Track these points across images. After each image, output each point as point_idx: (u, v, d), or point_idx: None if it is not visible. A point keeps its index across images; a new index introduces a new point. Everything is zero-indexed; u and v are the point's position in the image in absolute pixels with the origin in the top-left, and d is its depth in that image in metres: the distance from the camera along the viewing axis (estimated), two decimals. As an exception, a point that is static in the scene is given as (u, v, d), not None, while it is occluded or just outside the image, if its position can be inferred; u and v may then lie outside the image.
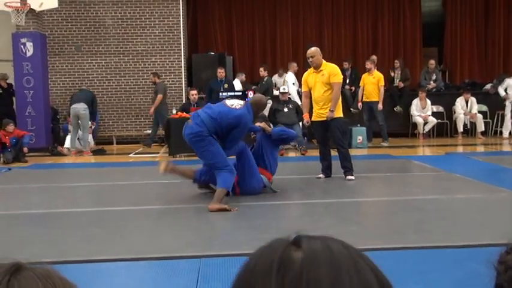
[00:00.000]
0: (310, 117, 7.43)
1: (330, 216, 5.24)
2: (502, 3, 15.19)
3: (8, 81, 12.70)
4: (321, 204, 5.85)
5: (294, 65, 12.65)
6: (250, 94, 10.33)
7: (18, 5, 11.36)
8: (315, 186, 6.98)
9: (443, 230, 4.63)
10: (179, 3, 13.49)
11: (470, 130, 13.40)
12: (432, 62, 13.97)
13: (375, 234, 4.62)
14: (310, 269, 0.67)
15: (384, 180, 7.54)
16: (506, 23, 15.25)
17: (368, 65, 12.07)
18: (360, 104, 12.28)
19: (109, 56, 13.54)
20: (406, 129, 13.41)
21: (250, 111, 5.83)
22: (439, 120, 13.20)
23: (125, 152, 11.83)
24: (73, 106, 11.41)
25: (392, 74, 13.57)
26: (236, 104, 5.92)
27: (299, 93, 10.80)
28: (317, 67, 7.16)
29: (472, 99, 13.07)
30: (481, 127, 13.01)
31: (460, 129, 13.05)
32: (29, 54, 11.83)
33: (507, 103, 12.94)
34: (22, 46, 11.81)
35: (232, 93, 10.67)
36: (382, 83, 11.90)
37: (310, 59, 7.14)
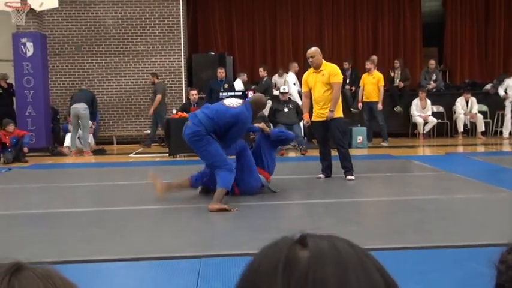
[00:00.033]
0: (310, 117, 7.43)
1: (330, 216, 5.24)
2: (502, 3, 15.19)
3: (8, 81, 12.70)
4: (321, 204, 5.85)
5: (295, 65, 12.65)
6: (250, 94, 10.33)
7: (19, 5, 11.37)
8: (315, 186, 6.98)
9: (443, 230, 4.63)
10: (179, 3, 13.49)
11: (470, 130, 13.40)
12: (432, 62, 13.96)
13: (375, 234, 4.62)
14: (316, 268, 0.66)
15: (384, 180, 7.54)
16: (506, 23, 15.25)
17: (368, 65, 12.07)
18: (360, 105, 12.28)
19: (109, 56, 13.54)
20: (406, 129, 13.41)
21: (249, 110, 5.84)
22: (439, 120, 13.20)
23: (125, 152, 11.83)
24: (73, 106, 11.41)
25: (392, 74, 13.57)
26: (234, 103, 5.94)
27: (300, 94, 10.80)
28: (317, 67, 7.16)
29: (472, 99, 13.07)
30: (481, 127, 13.01)
31: (460, 129, 13.05)
32: (29, 54, 11.83)
33: (507, 103, 12.94)
34: (22, 46, 11.81)
35: (232, 93, 10.67)
36: (382, 83, 11.90)
37: (310, 59, 7.14)
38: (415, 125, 13.18)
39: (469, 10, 15.25)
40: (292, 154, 10.76)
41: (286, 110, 11.12)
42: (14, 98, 12.35)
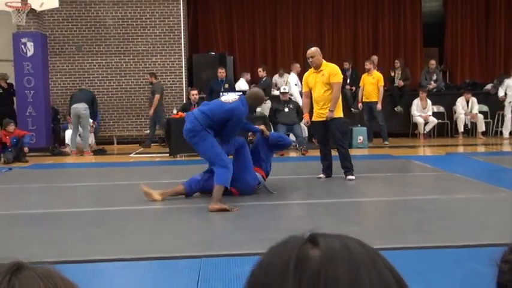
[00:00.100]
0: (311, 117, 7.44)
1: (330, 216, 5.24)
2: (502, 3, 15.19)
3: (8, 81, 12.70)
4: (321, 204, 5.85)
5: (296, 66, 12.63)
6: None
7: (19, 5, 11.37)
8: (315, 186, 6.98)
9: (444, 230, 4.63)
10: (180, 3, 13.49)
11: (470, 130, 13.40)
12: (433, 62, 13.96)
13: (375, 234, 4.61)
14: (328, 267, 0.65)
15: (384, 180, 7.54)
16: (506, 23, 15.25)
17: (367, 65, 12.07)
18: (360, 105, 12.28)
19: (110, 56, 13.54)
20: (406, 129, 13.41)
21: (244, 105, 5.85)
22: (440, 121, 13.20)
23: (125, 152, 11.83)
24: (74, 106, 11.41)
25: (392, 74, 13.56)
26: (230, 98, 5.99)
27: (301, 94, 10.80)
28: (317, 67, 7.16)
29: (473, 100, 13.07)
30: (481, 127, 13.01)
31: (461, 129, 13.05)
32: (29, 54, 11.83)
33: (506, 103, 12.95)
34: (23, 46, 11.81)
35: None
36: (382, 83, 11.91)
37: (310, 59, 7.14)
38: (415, 125, 13.18)
39: (470, 10, 15.25)
40: (292, 154, 10.76)
41: (286, 110, 11.12)
42: (15, 98, 12.36)
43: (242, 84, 12.53)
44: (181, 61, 13.62)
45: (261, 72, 12.42)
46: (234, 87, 12.15)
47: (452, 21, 15.32)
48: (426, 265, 3.69)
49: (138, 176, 8.03)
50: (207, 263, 3.79)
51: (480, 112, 13.12)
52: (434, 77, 13.89)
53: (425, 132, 13.02)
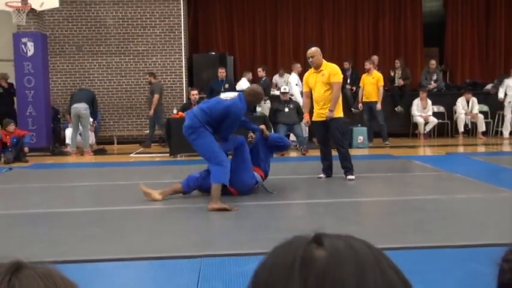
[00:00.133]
0: (311, 117, 7.44)
1: (330, 216, 5.24)
2: (503, 3, 15.19)
3: (8, 81, 12.70)
4: (321, 204, 5.85)
5: (297, 66, 12.62)
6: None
7: (19, 4, 11.37)
8: (315, 186, 6.98)
9: (444, 230, 4.63)
10: (180, 3, 13.50)
11: (471, 130, 13.40)
12: (433, 62, 13.96)
13: (375, 234, 4.61)
14: (334, 267, 0.65)
15: (385, 180, 7.54)
16: (507, 23, 15.25)
17: (367, 65, 12.07)
18: (360, 105, 12.28)
19: (110, 56, 13.54)
20: (407, 129, 13.41)
21: (242, 101, 5.86)
22: (440, 120, 13.20)
23: (125, 151, 11.83)
24: (74, 106, 11.40)
25: (392, 74, 13.56)
26: (229, 96, 6.02)
27: (302, 94, 10.81)
28: (317, 67, 7.16)
29: (473, 100, 13.07)
30: (482, 127, 13.02)
31: (461, 129, 13.05)
32: (29, 54, 11.84)
33: (506, 103, 12.95)
34: (23, 46, 11.82)
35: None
36: (382, 83, 11.91)
37: (310, 59, 7.14)
38: (415, 125, 13.18)
39: (470, 10, 15.26)
40: (293, 154, 10.76)
41: (286, 110, 11.12)
42: (15, 98, 12.36)
43: (244, 83, 12.52)
44: (182, 61, 13.63)
45: (261, 72, 12.45)
46: (235, 87, 12.13)
47: (453, 21, 15.32)
48: (426, 265, 3.69)
49: (138, 176, 8.03)
50: (207, 263, 3.79)
51: (480, 112, 13.12)
52: (435, 77, 13.88)
53: (425, 132, 13.02)
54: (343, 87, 10.26)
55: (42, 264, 0.75)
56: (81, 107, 11.36)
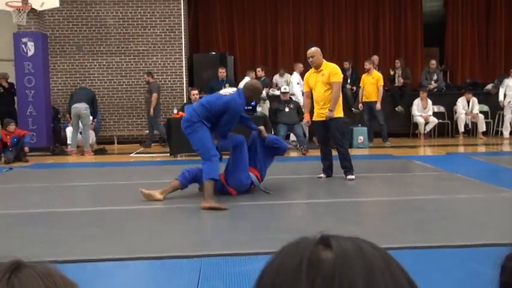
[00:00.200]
0: (312, 117, 7.44)
1: (330, 216, 5.24)
2: (503, 3, 15.19)
3: (9, 81, 12.71)
4: (321, 204, 5.85)
5: (299, 66, 12.62)
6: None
7: (20, 4, 11.38)
8: (315, 186, 6.98)
9: (444, 230, 4.62)
10: (180, 3, 13.50)
11: (471, 130, 13.40)
12: (433, 62, 13.96)
13: (375, 234, 4.61)
14: (342, 270, 0.64)
15: (385, 180, 7.54)
16: (507, 23, 15.25)
17: (367, 65, 12.08)
18: (360, 105, 12.28)
19: (110, 56, 13.55)
20: (407, 129, 13.41)
21: (241, 97, 5.88)
22: (440, 120, 13.20)
23: (125, 151, 11.83)
24: (74, 106, 11.40)
25: (392, 73, 13.56)
26: (228, 92, 6.05)
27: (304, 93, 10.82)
28: (317, 67, 7.16)
29: (474, 99, 13.07)
30: (482, 127, 13.02)
31: (461, 129, 13.05)
32: (30, 53, 11.84)
33: (506, 103, 12.95)
34: (23, 46, 11.82)
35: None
36: (381, 82, 11.91)
37: (310, 59, 7.14)
38: (416, 125, 13.18)
39: (470, 10, 15.26)
40: (293, 154, 10.76)
41: (287, 109, 11.12)
42: (15, 98, 12.37)
43: None
44: (182, 61, 13.63)
45: (260, 72, 12.50)
46: (237, 87, 12.13)
47: (453, 21, 15.32)
48: (426, 265, 3.69)
49: (138, 175, 8.04)
50: (208, 263, 3.79)
51: (481, 112, 13.12)
52: (435, 77, 13.88)
53: (425, 132, 13.02)
54: (343, 87, 10.26)
55: (42, 263, 0.75)
56: (82, 107, 11.36)
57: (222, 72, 12.17)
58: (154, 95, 12.27)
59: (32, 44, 11.82)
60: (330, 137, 7.33)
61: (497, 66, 15.21)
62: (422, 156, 10.30)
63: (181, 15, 13.55)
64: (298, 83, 12.05)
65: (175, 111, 11.37)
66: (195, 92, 11.42)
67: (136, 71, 13.57)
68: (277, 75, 13.10)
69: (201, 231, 4.98)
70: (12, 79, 12.52)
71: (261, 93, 6.63)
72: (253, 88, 6.06)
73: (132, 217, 5.40)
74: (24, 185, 7.59)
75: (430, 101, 12.96)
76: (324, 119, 7.17)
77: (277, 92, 12.16)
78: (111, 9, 13.47)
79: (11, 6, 11.31)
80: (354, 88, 13.06)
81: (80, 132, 11.68)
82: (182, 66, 13.64)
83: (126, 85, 13.62)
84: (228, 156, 6.33)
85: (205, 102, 5.87)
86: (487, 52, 15.42)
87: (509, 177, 7.51)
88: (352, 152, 9.36)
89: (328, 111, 7.09)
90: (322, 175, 7.36)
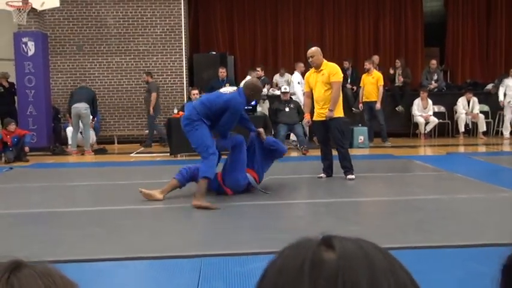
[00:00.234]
0: (312, 117, 7.44)
1: (330, 216, 5.24)
2: (503, 3, 15.19)
3: (9, 81, 12.71)
4: (321, 204, 5.85)
5: (300, 65, 12.62)
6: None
7: (20, 4, 11.38)
8: (315, 185, 6.98)
9: (444, 230, 4.62)
10: (180, 3, 13.50)
11: (471, 130, 13.40)
12: (434, 61, 13.95)
13: (375, 234, 4.60)
14: (345, 271, 0.64)
15: (385, 180, 7.53)
16: (507, 23, 15.25)
17: (367, 65, 12.07)
18: (360, 105, 12.28)
19: (110, 56, 13.55)
20: (407, 129, 13.41)
21: (241, 95, 5.89)
22: (441, 120, 13.20)
23: (126, 151, 11.83)
24: (74, 106, 11.40)
25: (392, 72, 13.55)
26: (228, 90, 6.06)
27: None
28: (317, 67, 7.16)
29: (474, 99, 13.07)
30: (482, 127, 13.01)
31: (462, 129, 13.05)
32: (30, 53, 11.84)
33: (506, 103, 12.95)
34: (24, 45, 11.82)
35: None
36: (381, 82, 11.91)
37: (310, 59, 7.15)
38: (416, 125, 13.17)
39: (471, 10, 15.26)
40: (293, 154, 10.75)
41: (287, 109, 11.12)
42: (16, 97, 12.37)
43: None
44: (182, 61, 13.63)
45: (259, 72, 12.51)
46: (238, 87, 12.14)
47: (453, 21, 15.32)
48: (426, 265, 3.69)
49: (138, 175, 8.04)
50: (208, 263, 3.79)
51: (481, 112, 13.12)
52: (435, 77, 13.88)
53: (426, 132, 13.01)
54: (344, 87, 10.25)
55: (42, 263, 0.75)
56: (82, 107, 11.35)
57: (222, 72, 12.18)
58: (154, 95, 12.27)
59: (32, 43, 11.82)
60: (330, 137, 7.33)
61: (498, 66, 15.21)
62: (422, 156, 10.30)
63: (181, 15, 13.54)
64: (299, 83, 12.05)
65: (175, 111, 11.37)
66: (195, 91, 11.42)
67: (137, 70, 13.57)
68: (278, 75, 13.10)
69: (201, 231, 4.98)
70: (12, 79, 12.52)
71: (261, 91, 6.64)
72: (253, 87, 6.06)
73: (132, 217, 5.40)
74: (24, 185, 7.59)
75: (430, 101, 12.96)
76: (324, 118, 7.17)
77: (278, 92, 12.16)
78: (111, 9, 13.47)
79: (12, 5, 11.31)
80: (355, 88, 13.05)
81: (80, 132, 11.68)
82: (182, 66, 13.63)
83: (126, 85, 13.62)
84: (226, 156, 6.33)
85: (205, 100, 5.88)
86: (487, 52, 15.42)
87: (510, 177, 7.51)
88: (353, 151, 9.36)
89: (328, 111, 7.09)
90: (322, 175, 7.36)
